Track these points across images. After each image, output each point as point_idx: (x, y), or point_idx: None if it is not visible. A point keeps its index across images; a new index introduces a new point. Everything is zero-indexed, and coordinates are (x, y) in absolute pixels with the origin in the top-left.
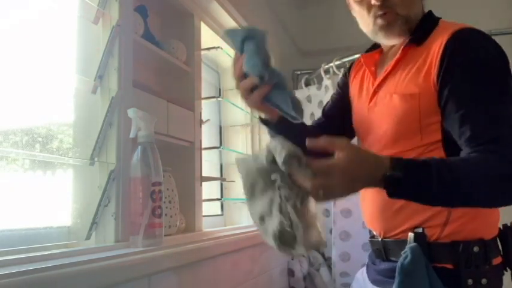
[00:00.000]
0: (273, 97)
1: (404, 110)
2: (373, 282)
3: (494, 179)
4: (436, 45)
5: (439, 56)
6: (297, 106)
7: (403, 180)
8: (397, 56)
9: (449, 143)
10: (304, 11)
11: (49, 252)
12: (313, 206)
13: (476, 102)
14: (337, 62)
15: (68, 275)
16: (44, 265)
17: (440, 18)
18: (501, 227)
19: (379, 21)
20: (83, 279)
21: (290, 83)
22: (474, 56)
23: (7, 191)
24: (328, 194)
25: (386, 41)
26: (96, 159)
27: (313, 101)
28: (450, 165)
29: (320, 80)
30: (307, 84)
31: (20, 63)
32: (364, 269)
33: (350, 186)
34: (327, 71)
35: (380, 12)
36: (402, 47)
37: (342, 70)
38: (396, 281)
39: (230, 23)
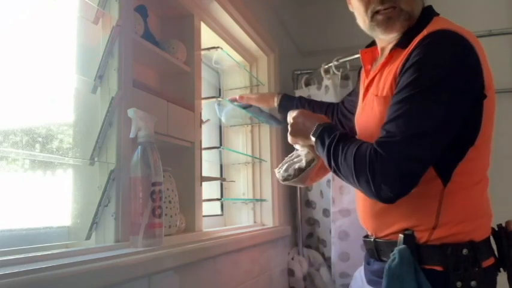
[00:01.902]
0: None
1: (381, 113)
2: (369, 282)
3: (349, 166)
4: (409, 48)
5: (404, 59)
6: (274, 119)
7: (316, 137)
8: (383, 60)
9: None
10: (304, 10)
11: (49, 252)
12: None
13: (399, 101)
14: (337, 62)
15: (68, 275)
16: (44, 265)
17: (437, 15)
18: (495, 228)
19: (379, 17)
20: (83, 279)
21: (290, 83)
22: (421, 63)
23: (7, 191)
24: (290, 133)
25: (384, 36)
26: (96, 159)
27: None
28: (338, 142)
29: (320, 80)
30: (307, 84)
31: (20, 63)
32: (362, 268)
33: (298, 131)
34: (327, 71)
35: (379, 8)
36: (389, 51)
37: (341, 70)
38: (384, 282)
39: (230, 23)
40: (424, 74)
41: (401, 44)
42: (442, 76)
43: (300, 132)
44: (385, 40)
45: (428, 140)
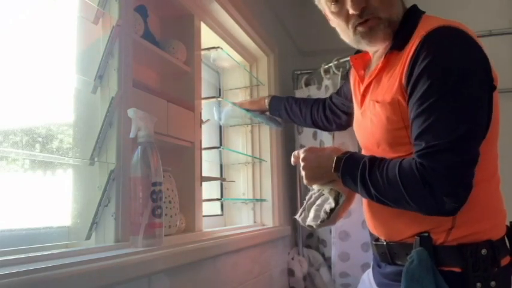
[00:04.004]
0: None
1: (388, 119)
2: (379, 285)
3: (397, 188)
4: (410, 50)
5: (408, 63)
6: (273, 121)
7: (341, 172)
8: (380, 64)
9: None
10: (304, 10)
11: (49, 252)
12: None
13: (425, 110)
14: (337, 62)
15: (68, 275)
16: (44, 265)
17: (424, 13)
18: (508, 225)
19: (360, 28)
20: (83, 279)
21: (290, 83)
22: (435, 65)
23: (7, 191)
24: (306, 177)
25: (370, 48)
26: (96, 159)
27: None
28: (372, 168)
29: (320, 80)
30: (307, 84)
31: (20, 63)
32: (370, 270)
33: (316, 171)
34: (327, 71)
35: (360, 21)
36: (384, 54)
37: (341, 70)
38: (402, 285)
39: (230, 23)
40: (440, 77)
41: (396, 46)
42: (458, 75)
43: (317, 172)
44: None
45: (469, 141)
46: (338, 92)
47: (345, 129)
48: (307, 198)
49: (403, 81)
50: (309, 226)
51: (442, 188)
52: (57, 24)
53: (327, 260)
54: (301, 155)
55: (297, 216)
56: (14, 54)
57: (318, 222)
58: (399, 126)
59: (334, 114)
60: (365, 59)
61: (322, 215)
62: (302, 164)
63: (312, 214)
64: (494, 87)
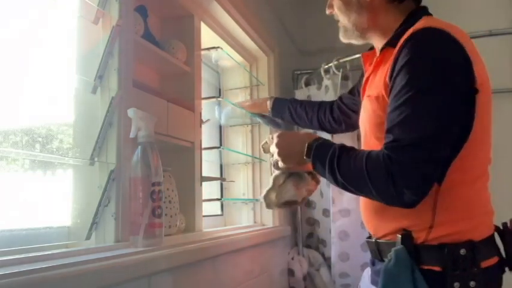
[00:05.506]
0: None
1: (374, 112)
2: (372, 282)
3: (362, 175)
4: (397, 48)
5: (392, 60)
6: (274, 122)
7: (312, 155)
8: (376, 59)
9: None
10: (304, 10)
11: (49, 252)
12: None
13: (399, 105)
14: (337, 62)
15: (68, 275)
16: (44, 265)
17: (427, 15)
18: (500, 226)
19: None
20: (83, 279)
21: (290, 83)
22: (413, 63)
23: (7, 191)
24: (281, 159)
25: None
26: (96, 159)
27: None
28: (341, 155)
29: (320, 80)
30: (307, 84)
31: (20, 63)
32: (369, 268)
33: (289, 155)
34: (327, 71)
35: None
36: (380, 50)
37: (341, 70)
38: (380, 283)
39: (230, 23)
40: (416, 75)
41: (391, 43)
42: (434, 75)
43: (290, 157)
44: (377, 40)
45: (437, 139)
46: (351, 91)
47: (355, 129)
48: (272, 179)
49: (387, 77)
50: (279, 205)
51: (403, 180)
52: (57, 24)
53: (327, 260)
54: (274, 140)
55: (260, 197)
56: (14, 54)
57: (277, 202)
58: (383, 120)
59: (345, 114)
60: (374, 55)
61: (289, 196)
62: (276, 150)
63: (273, 194)
64: (476, 90)
